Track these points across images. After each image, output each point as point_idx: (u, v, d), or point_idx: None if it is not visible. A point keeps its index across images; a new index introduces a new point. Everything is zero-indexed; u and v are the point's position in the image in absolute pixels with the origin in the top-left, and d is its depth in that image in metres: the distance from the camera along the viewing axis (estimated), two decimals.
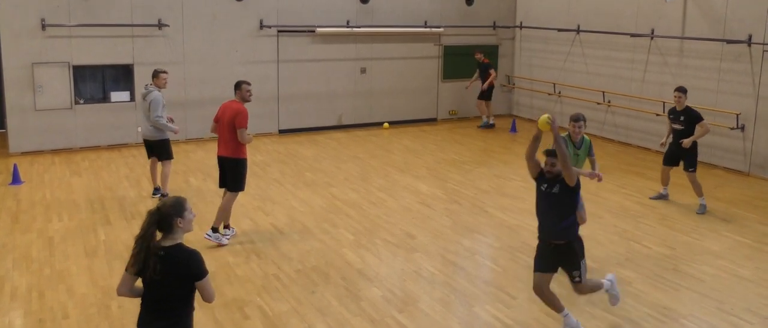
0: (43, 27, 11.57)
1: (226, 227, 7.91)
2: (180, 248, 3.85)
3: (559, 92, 14.88)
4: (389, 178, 10.65)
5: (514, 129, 14.63)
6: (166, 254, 3.79)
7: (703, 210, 9.10)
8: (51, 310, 6.06)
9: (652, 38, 12.69)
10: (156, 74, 9.08)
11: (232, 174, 7.79)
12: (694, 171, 9.15)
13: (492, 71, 14.70)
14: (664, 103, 12.32)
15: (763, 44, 10.79)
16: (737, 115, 11.18)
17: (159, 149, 9.16)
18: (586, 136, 7.39)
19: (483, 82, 14.72)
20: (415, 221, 8.63)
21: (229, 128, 7.63)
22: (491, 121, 14.88)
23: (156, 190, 9.46)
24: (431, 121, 15.59)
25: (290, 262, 7.22)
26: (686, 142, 8.96)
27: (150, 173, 9.56)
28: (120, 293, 4.01)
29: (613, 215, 8.95)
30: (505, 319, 6.04)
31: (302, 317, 6.01)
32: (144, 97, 9.03)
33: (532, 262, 7.26)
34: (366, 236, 8.06)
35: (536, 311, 6.17)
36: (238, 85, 7.80)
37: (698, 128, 9.03)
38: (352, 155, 12.13)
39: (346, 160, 11.73)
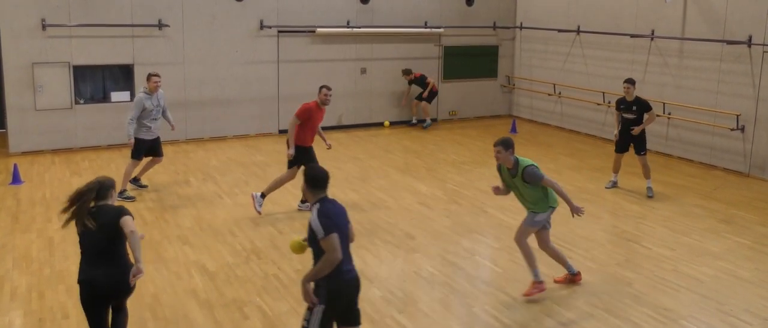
0: (44, 27, 11.57)
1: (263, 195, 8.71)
2: (108, 204, 4.81)
3: (559, 93, 14.88)
4: (389, 178, 10.65)
5: (514, 129, 14.63)
6: (98, 209, 4.73)
7: (651, 192, 9.81)
8: (51, 310, 6.06)
9: (652, 39, 12.69)
10: (148, 78, 9.22)
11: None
12: (645, 154, 9.85)
13: (430, 79, 14.68)
14: (664, 104, 12.33)
15: (763, 45, 10.79)
16: (737, 116, 11.19)
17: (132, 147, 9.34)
18: (524, 160, 6.36)
19: (424, 90, 14.62)
20: (414, 221, 8.63)
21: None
22: (415, 121, 15.11)
23: (134, 179, 9.70)
24: (431, 121, 15.59)
25: (290, 262, 7.22)
26: (636, 129, 9.60)
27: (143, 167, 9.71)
28: None
29: (613, 216, 8.96)
30: (505, 319, 6.04)
31: (302, 316, 6.00)
32: None
33: None
34: (366, 236, 8.06)
35: (536, 312, 6.18)
36: (319, 89, 8.70)
37: (647, 116, 9.66)
38: (352, 156, 12.14)
39: (346, 161, 11.73)
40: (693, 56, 12.03)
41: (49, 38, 11.68)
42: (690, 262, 7.42)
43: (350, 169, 11.20)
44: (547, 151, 12.75)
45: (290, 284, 6.68)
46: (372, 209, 9.11)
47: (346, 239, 4.61)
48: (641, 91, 12.90)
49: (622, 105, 9.81)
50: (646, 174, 9.90)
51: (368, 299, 6.37)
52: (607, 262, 7.34)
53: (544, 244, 6.59)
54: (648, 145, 12.90)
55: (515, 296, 6.49)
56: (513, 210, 9.15)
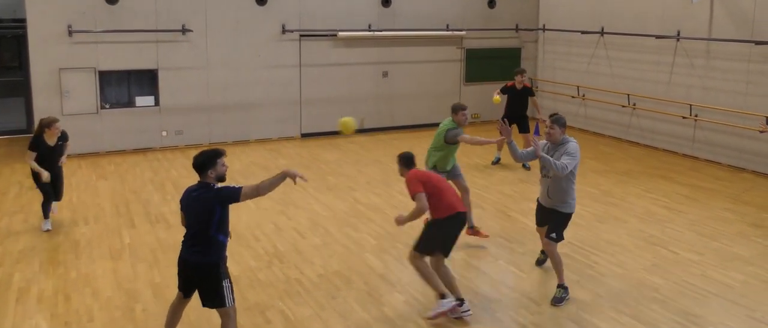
0: (70, 33, 11.74)
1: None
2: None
3: (583, 95, 14.73)
4: None
5: (537, 132, 14.47)
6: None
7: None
8: (77, 313, 6.12)
9: (678, 40, 12.50)
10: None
11: None
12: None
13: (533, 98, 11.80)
14: (691, 105, 12.13)
15: None
16: (766, 117, 10.96)
17: None
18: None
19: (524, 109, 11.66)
20: None
21: None
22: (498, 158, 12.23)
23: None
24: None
25: (312, 266, 7.22)
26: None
27: None
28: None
29: (640, 220, 8.82)
30: (529, 325, 5.97)
31: (324, 321, 6.00)
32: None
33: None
34: (388, 240, 8.03)
35: (561, 318, 6.09)
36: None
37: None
38: (374, 159, 12.12)
39: (368, 164, 11.72)
40: (720, 57, 11.82)
41: (75, 44, 11.85)
42: (719, 267, 7.27)
43: (373, 172, 11.18)
44: None
45: (312, 288, 6.68)
46: (394, 212, 9.05)
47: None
48: (667, 93, 12.74)
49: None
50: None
51: (390, 304, 6.34)
52: (633, 267, 7.22)
53: None
54: (675, 148, 12.81)
55: (539, 302, 6.42)
56: None
